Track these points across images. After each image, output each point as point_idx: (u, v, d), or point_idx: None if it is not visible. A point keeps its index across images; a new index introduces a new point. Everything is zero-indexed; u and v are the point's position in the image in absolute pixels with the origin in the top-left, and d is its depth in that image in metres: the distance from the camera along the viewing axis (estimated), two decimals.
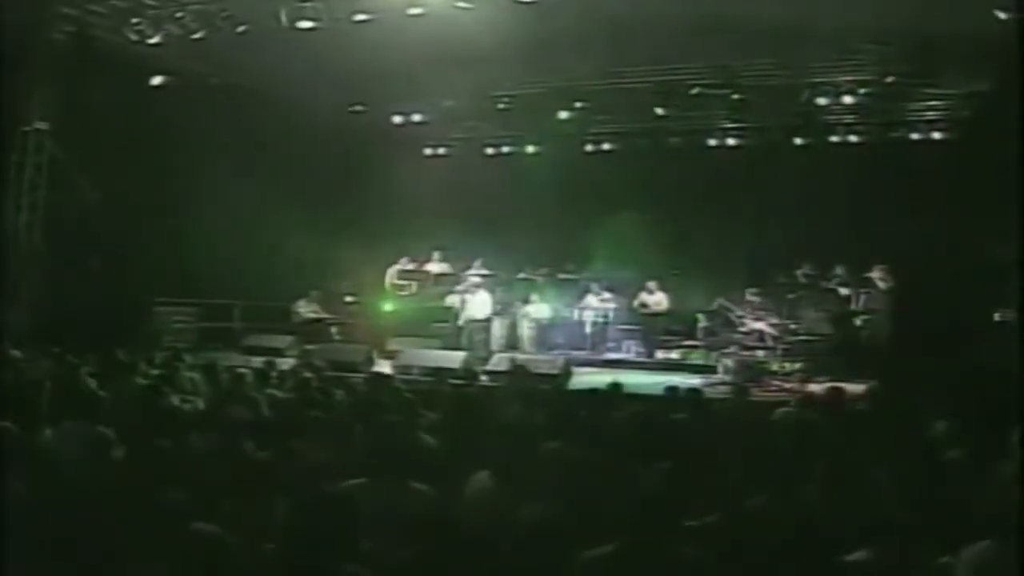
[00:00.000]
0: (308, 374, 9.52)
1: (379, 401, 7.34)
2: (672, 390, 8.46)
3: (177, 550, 3.53)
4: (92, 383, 8.11)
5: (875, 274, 14.01)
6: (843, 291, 14.07)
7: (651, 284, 15.58)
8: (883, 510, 4.49)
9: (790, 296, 13.95)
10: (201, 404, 7.73)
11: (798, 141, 17.16)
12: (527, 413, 7.01)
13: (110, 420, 6.18)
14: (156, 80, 14.90)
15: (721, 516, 4.36)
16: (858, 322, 13.75)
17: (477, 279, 15.20)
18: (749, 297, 13.68)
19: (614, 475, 4.74)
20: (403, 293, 16.55)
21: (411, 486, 4.32)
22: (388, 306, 16.24)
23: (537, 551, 3.79)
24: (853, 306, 13.95)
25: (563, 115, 17.37)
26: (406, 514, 3.89)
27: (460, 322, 14.86)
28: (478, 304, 14.83)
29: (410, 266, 16.72)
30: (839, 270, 14.34)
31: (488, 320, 15.06)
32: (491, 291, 15.21)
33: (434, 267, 16.58)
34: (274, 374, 9.61)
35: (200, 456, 5.46)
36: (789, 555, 3.99)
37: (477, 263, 15.94)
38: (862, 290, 14.04)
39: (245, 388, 8.25)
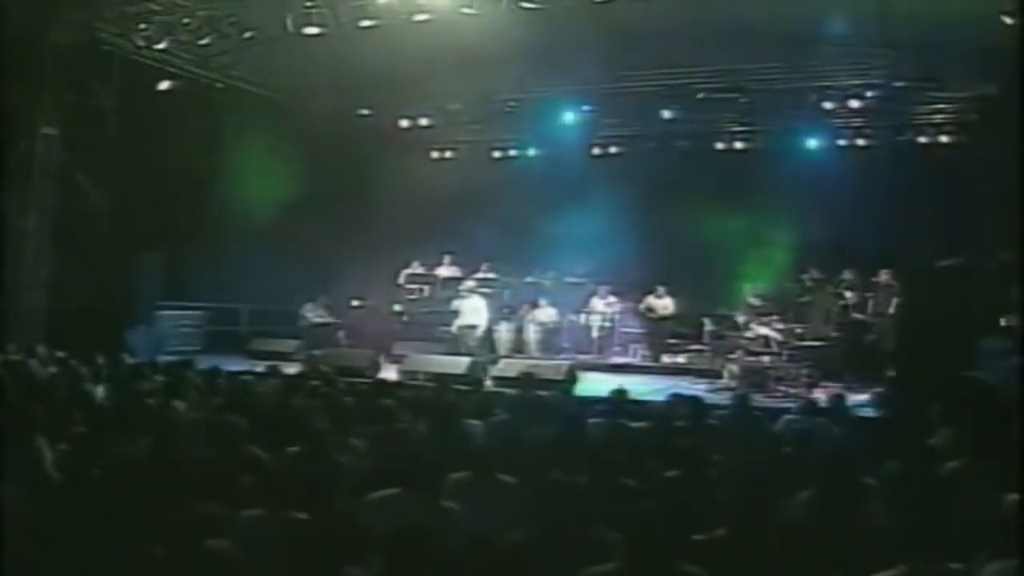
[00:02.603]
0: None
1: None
2: (676, 397, 8.46)
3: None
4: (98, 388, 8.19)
5: (882, 278, 13.98)
6: (849, 295, 14.03)
7: (660, 289, 15.57)
8: (888, 519, 4.50)
9: (797, 300, 13.93)
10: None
11: (805, 144, 17.10)
12: (529, 422, 7.01)
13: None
14: (163, 85, 14.93)
15: (727, 528, 4.35)
16: (864, 326, 13.71)
17: (471, 283, 15.11)
18: (752, 300, 13.66)
19: (616, 487, 4.75)
20: (412, 297, 16.59)
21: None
22: (395, 310, 16.29)
23: (536, 568, 3.80)
24: (859, 310, 13.90)
25: (569, 118, 17.38)
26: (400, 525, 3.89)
27: (453, 328, 14.70)
28: (471, 310, 14.74)
29: (419, 270, 16.75)
30: (847, 274, 14.31)
31: (479, 326, 14.60)
32: (489, 296, 15.08)
33: (444, 271, 16.60)
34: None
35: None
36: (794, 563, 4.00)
37: (484, 267, 15.93)
38: (868, 294, 14.00)
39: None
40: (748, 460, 5.81)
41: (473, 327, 14.37)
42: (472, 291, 14.78)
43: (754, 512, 4.36)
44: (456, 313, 14.68)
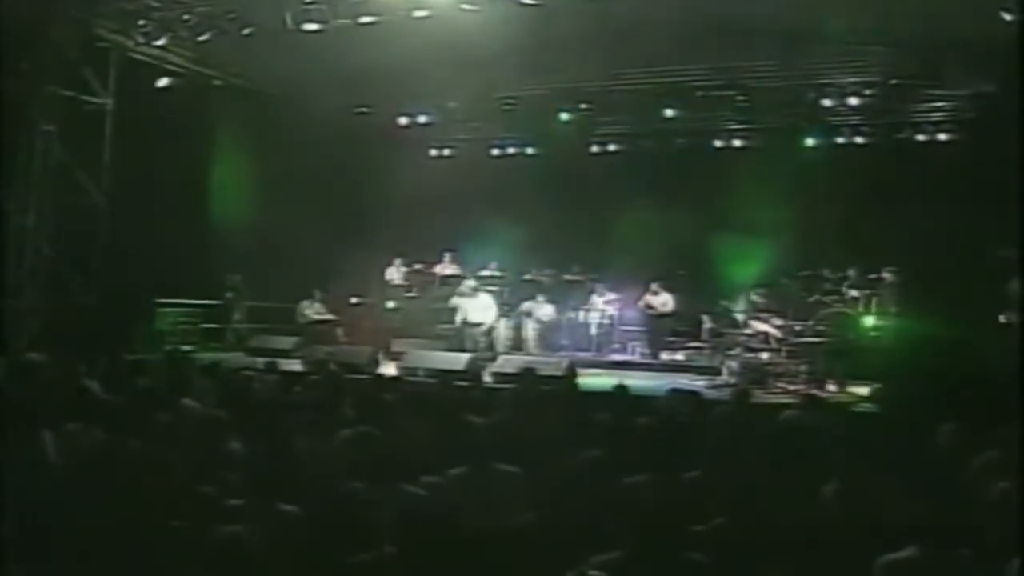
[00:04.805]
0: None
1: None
2: (676, 392, 8.49)
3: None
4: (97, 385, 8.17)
5: (884, 275, 14.00)
6: (853, 293, 14.04)
7: (655, 285, 15.57)
8: (887, 514, 4.52)
9: (796, 298, 13.94)
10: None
11: (805, 142, 17.13)
12: (532, 416, 7.03)
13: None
14: (162, 82, 14.91)
15: (727, 521, 4.37)
16: (866, 324, 13.72)
17: (472, 282, 15.15)
18: (755, 297, 13.67)
19: (619, 480, 4.76)
20: (408, 295, 16.63)
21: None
22: (392, 307, 16.34)
23: (541, 556, 3.81)
24: (862, 307, 13.92)
25: (568, 116, 17.38)
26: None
27: (456, 323, 14.75)
28: (478, 308, 14.74)
29: (403, 268, 16.82)
30: (850, 272, 14.34)
31: (489, 325, 14.83)
32: (497, 294, 15.12)
33: (445, 268, 16.65)
34: None
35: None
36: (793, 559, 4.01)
37: (493, 265, 16.03)
38: (868, 292, 14.02)
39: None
40: (748, 453, 5.81)
41: (479, 324, 14.49)
42: (479, 289, 14.84)
43: (754, 504, 4.39)
44: (455, 310, 14.75)
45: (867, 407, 9.89)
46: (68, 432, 6.04)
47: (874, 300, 13.90)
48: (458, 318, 14.73)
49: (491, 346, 14.72)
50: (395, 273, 16.99)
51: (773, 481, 4.95)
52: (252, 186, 16.27)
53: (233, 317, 16.29)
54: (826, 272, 14.50)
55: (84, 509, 4.16)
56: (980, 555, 3.84)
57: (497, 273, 15.84)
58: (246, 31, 13.04)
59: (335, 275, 16.51)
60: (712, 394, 10.00)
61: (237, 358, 13.07)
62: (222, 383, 8.59)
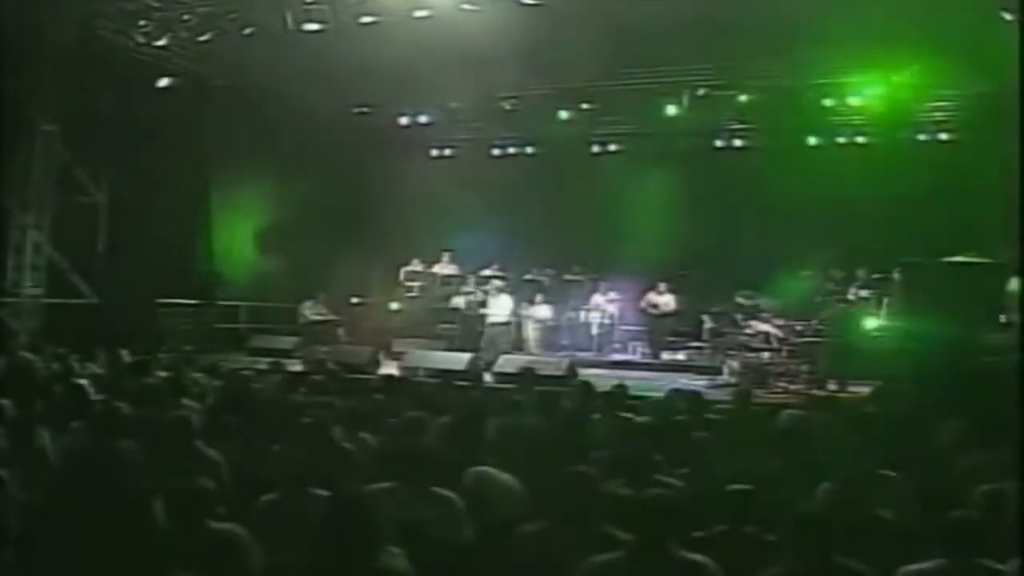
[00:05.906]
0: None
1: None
2: (675, 392, 8.49)
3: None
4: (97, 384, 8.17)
5: (895, 276, 13.98)
6: (863, 293, 14.02)
7: (661, 285, 15.57)
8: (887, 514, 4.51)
9: (796, 297, 13.93)
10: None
11: (804, 142, 17.11)
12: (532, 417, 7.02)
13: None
14: (163, 82, 14.91)
15: (727, 520, 4.36)
16: (866, 323, 13.70)
17: (499, 282, 15.18)
18: (740, 300, 13.68)
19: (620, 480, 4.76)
20: (410, 294, 16.63)
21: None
22: (394, 307, 16.34)
23: (542, 557, 3.81)
24: (871, 307, 13.90)
25: (568, 116, 17.37)
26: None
27: (482, 323, 14.78)
28: (501, 307, 14.78)
29: (418, 267, 16.81)
30: (860, 272, 14.33)
31: (507, 323, 14.90)
32: (511, 293, 15.20)
33: (443, 268, 16.65)
34: None
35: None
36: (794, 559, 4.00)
37: (495, 265, 16.03)
38: (871, 292, 14.01)
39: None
40: (748, 454, 5.81)
41: (502, 324, 14.58)
42: (503, 290, 14.86)
43: (755, 505, 4.39)
44: (456, 310, 14.77)
45: (867, 407, 9.84)
46: (65, 431, 6.05)
47: (885, 300, 13.85)
48: (487, 318, 14.82)
49: (512, 345, 14.73)
50: (402, 273, 16.98)
51: (772, 480, 4.94)
52: (252, 186, 16.25)
53: (213, 313, 16.27)
54: (832, 272, 14.48)
55: (79, 508, 4.15)
56: (978, 555, 3.83)
57: (500, 273, 15.83)
58: (246, 31, 13.05)
59: (336, 275, 16.50)
60: (713, 394, 9.98)
61: (237, 358, 13.10)
62: (221, 383, 8.60)
